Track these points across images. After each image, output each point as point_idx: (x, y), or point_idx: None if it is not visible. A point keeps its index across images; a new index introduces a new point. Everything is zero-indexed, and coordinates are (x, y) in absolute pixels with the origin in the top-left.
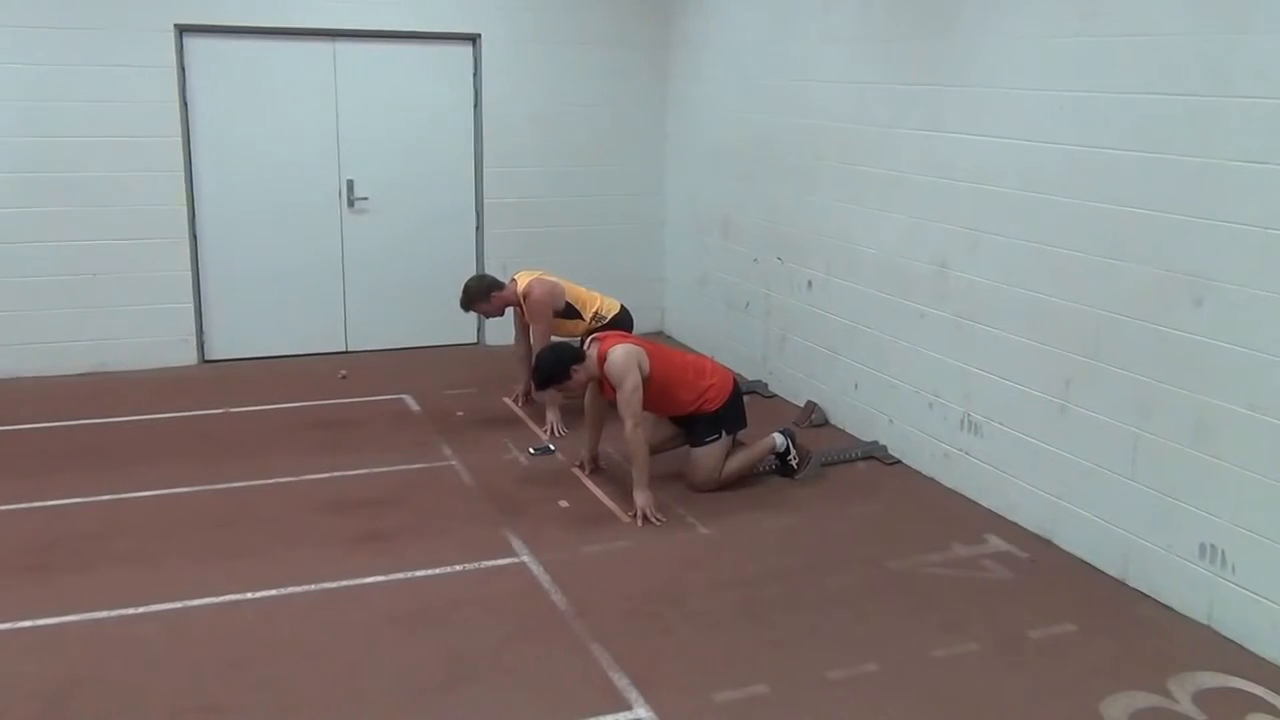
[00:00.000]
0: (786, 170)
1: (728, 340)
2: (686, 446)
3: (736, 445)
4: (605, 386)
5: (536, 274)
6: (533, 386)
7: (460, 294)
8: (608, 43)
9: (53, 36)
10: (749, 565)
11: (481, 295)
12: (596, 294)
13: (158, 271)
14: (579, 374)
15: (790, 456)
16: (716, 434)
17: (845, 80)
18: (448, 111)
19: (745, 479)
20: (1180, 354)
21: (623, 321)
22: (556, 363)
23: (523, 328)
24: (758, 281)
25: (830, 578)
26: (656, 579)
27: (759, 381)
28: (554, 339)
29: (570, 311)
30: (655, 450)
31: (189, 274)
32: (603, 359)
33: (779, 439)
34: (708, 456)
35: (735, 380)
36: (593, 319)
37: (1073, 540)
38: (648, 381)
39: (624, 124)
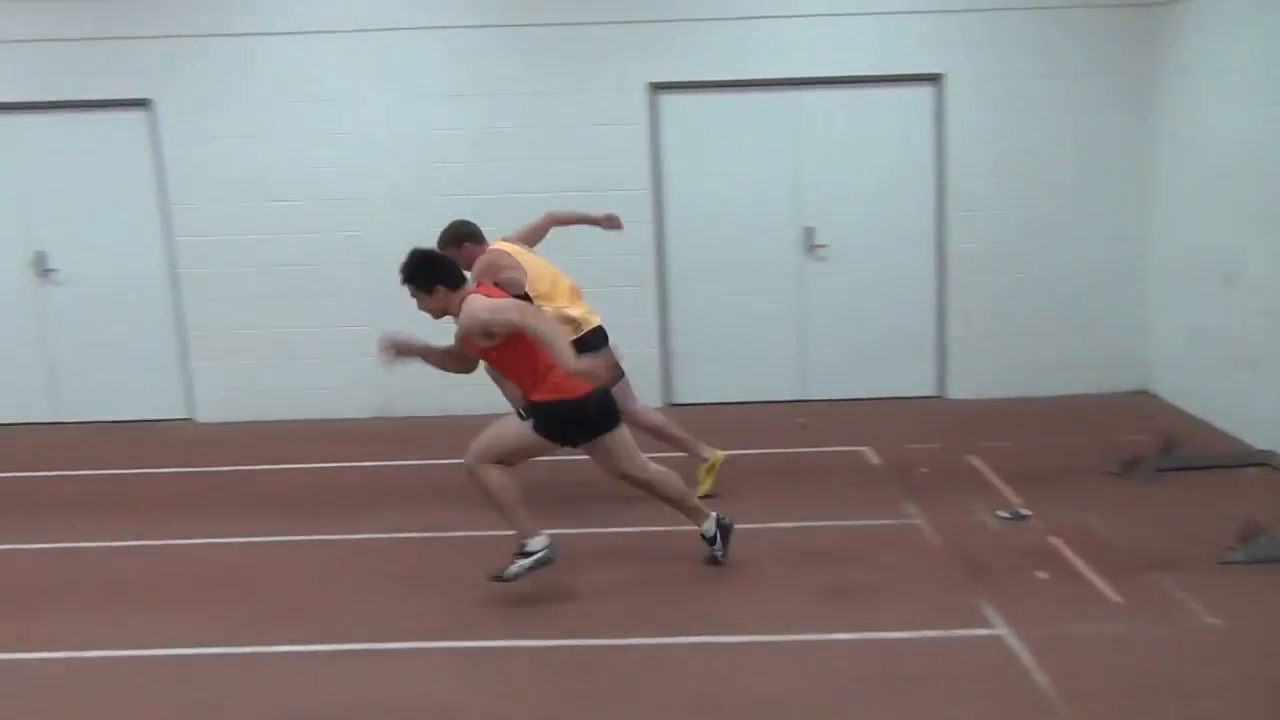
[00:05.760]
0: None
1: (1232, 405)
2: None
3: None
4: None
5: (503, 245)
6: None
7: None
8: (1082, 75)
9: (535, 101)
10: (1277, 665)
11: (454, 239)
12: (576, 296)
13: (623, 318)
14: (438, 298)
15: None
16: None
17: None
18: (909, 155)
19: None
20: None
21: (592, 345)
22: (433, 264)
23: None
24: (1271, 336)
25: None
26: (1156, 669)
27: (1269, 452)
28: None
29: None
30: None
31: (655, 320)
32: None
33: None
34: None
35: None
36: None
37: None
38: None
39: (1099, 162)
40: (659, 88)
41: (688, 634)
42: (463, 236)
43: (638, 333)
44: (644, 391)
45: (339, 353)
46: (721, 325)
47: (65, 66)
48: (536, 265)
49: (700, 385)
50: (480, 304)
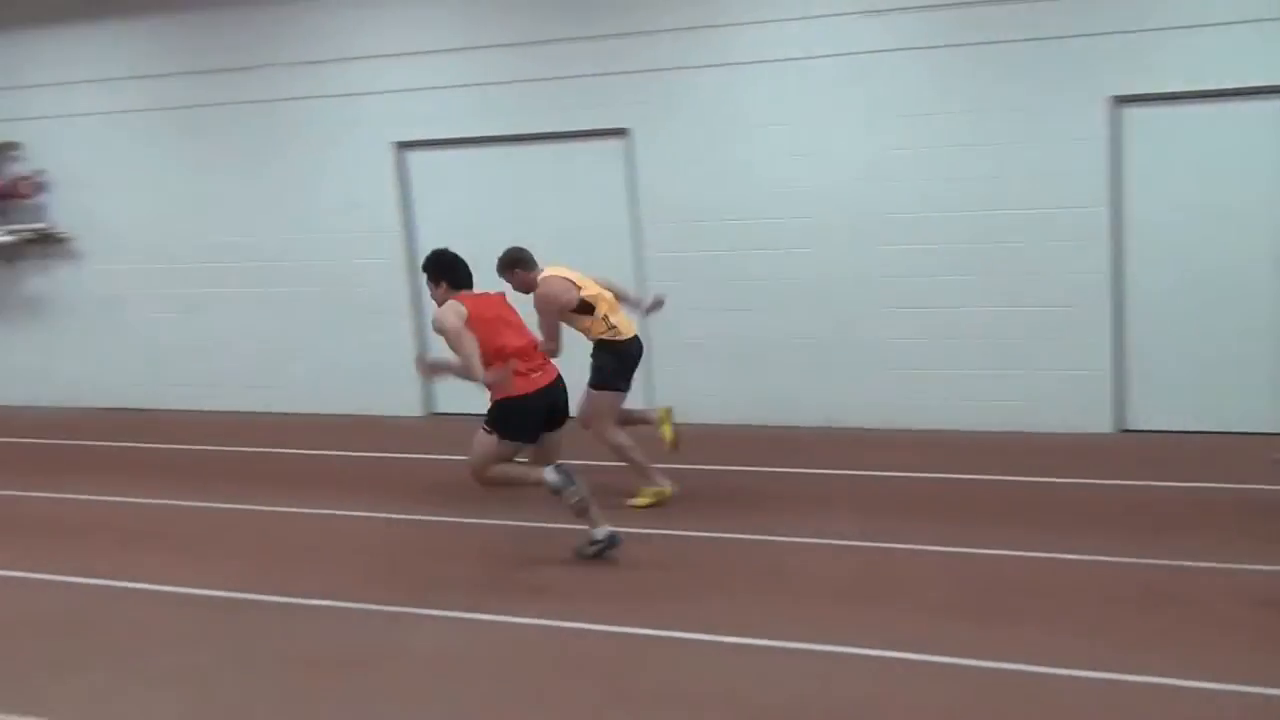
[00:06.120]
0: None
1: None
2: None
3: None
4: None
5: (559, 271)
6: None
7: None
8: None
9: (987, 119)
10: None
11: (507, 265)
12: (615, 308)
13: (1071, 336)
14: (443, 290)
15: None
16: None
17: None
18: None
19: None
20: None
21: (629, 352)
22: (441, 263)
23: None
24: None
25: None
26: None
27: None
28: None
29: (584, 306)
30: None
31: (1108, 341)
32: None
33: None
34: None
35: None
36: (603, 321)
37: None
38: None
39: None
40: (1122, 100)
41: (1151, 674)
42: (514, 263)
43: (1087, 353)
44: (1093, 415)
45: (787, 359)
46: (1186, 348)
47: (555, 102)
48: (588, 282)
49: (1160, 411)
50: (438, 313)
